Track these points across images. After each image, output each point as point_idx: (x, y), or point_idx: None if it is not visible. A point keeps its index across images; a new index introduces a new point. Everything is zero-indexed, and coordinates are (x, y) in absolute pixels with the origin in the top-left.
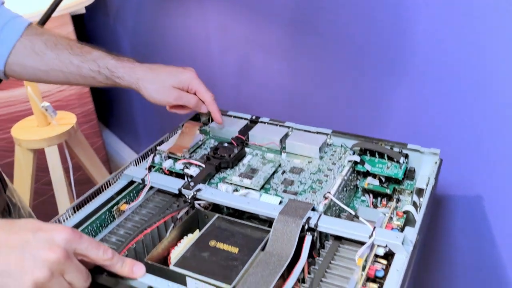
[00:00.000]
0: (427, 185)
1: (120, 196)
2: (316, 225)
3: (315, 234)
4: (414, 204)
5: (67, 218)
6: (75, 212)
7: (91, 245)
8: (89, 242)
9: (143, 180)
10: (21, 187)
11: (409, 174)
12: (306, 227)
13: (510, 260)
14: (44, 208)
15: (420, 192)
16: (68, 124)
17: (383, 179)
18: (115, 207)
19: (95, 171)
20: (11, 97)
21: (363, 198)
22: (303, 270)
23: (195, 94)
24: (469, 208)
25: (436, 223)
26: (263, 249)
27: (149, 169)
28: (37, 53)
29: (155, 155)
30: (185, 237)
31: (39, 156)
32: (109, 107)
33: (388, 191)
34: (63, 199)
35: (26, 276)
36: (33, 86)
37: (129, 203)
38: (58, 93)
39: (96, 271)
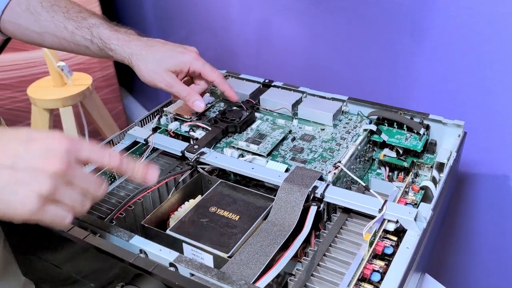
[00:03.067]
0: (448, 160)
1: None
2: (322, 195)
3: (322, 205)
4: (433, 179)
5: None
6: None
7: (93, 150)
8: (90, 147)
9: (146, 140)
10: None
11: (430, 147)
12: (311, 196)
13: None
14: None
15: (440, 166)
16: (83, 85)
17: (401, 151)
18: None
19: (111, 134)
20: (32, 58)
21: (379, 171)
22: (308, 243)
23: (199, 76)
24: (493, 187)
25: (457, 202)
26: (265, 218)
27: (154, 130)
28: (31, 13)
29: (161, 116)
30: (186, 202)
31: (57, 119)
32: (132, 72)
33: (406, 164)
34: None
35: (24, 189)
36: None
37: None
38: (80, 56)
39: None
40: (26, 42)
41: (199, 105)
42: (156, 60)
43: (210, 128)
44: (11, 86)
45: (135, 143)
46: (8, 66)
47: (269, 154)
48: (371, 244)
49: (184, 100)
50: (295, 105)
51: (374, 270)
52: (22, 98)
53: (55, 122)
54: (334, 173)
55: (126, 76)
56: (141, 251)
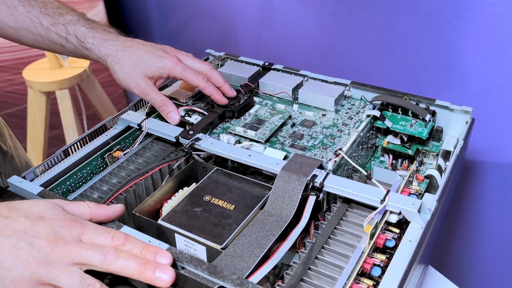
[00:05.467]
0: (455, 147)
1: (114, 142)
2: (321, 184)
3: (321, 194)
4: (439, 168)
5: (56, 162)
6: (66, 156)
7: (96, 231)
8: (94, 230)
9: (140, 125)
10: (35, 131)
11: (436, 134)
12: (310, 185)
13: None
14: None
15: (446, 155)
16: (80, 67)
17: (406, 138)
18: (107, 154)
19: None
20: None
21: (382, 158)
22: (307, 234)
23: (181, 79)
24: (500, 176)
25: (462, 191)
26: (262, 207)
27: (148, 114)
28: (8, 6)
29: None
30: (180, 190)
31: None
32: None
33: (410, 152)
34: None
35: (20, 267)
36: None
37: (124, 150)
38: None
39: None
40: (3, 37)
41: (174, 117)
42: (132, 63)
43: (206, 113)
44: (8, 69)
45: (128, 128)
46: (5, 48)
47: (267, 141)
48: (372, 236)
49: (158, 110)
50: (296, 89)
51: (374, 264)
52: (19, 81)
53: (53, 106)
54: (335, 161)
55: None
56: None
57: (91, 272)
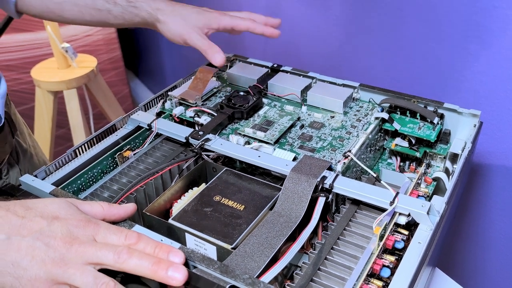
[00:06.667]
0: (462, 150)
1: (124, 142)
2: (331, 186)
3: (330, 196)
4: (447, 170)
5: (67, 161)
6: (76, 156)
7: (110, 231)
8: (107, 229)
9: (150, 125)
10: (42, 130)
11: (444, 136)
12: (320, 187)
13: None
14: None
15: (454, 157)
16: (88, 67)
17: (413, 141)
18: (118, 153)
19: (116, 118)
20: (36, 39)
21: (389, 160)
22: (315, 234)
23: (231, 29)
24: (507, 179)
25: (469, 194)
26: (271, 208)
27: (158, 115)
28: None
29: (165, 101)
30: (190, 190)
31: (62, 101)
32: (138, 55)
33: (418, 155)
34: None
35: (36, 266)
36: (53, 26)
37: (134, 150)
38: (85, 38)
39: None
40: (44, 17)
41: (219, 57)
42: (183, 16)
43: (215, 114)
44: (15, 68)
45: (138, 128)
46: (13, 47)
47: (276, 142)
48: (381, 238)
49: (204, 53)
50: (304, 91)
51: (384, 265)
52: (26, 80)
53: (60, 105)
54: (344, 162)
55: (132, 59)
56: None
57: (104, 271)
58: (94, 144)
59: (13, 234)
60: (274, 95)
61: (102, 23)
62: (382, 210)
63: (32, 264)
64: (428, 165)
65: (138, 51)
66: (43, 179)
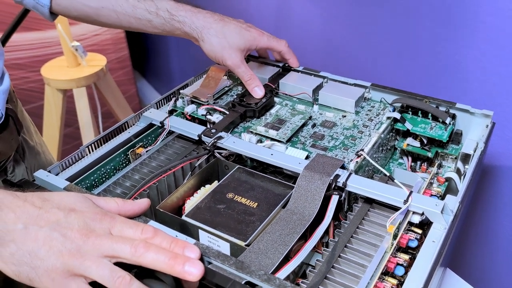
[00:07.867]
0: (474, 151)
1: (137, 139)
2: (344, 184)
3: (343, 194)
4: (458, 171)
5: (80, 158)
6: (89, 152)
7: (126, 225)
8: (124, 223)
9: (162, 123)
10: (51, 128)
11: (455, 137)
12: (333, 185)
13: None
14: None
15: (465, 158)
16: (97, 66)
17: (425, 141)
18: (130, 150)
19: (124, 116)
20: (46, 38)
21: (400, 160)
22: (327, 233)
23: (266, 48)
24: None
25: (479, 194)
26: (284, 206)
27: (170, 112)
28: None
29: (177, 99)
30: (202, 187)
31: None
32: (146, 55)
33: (430, 155)
34: None
35: (53, 257)
36: (64, 24)
37: (146, 147)
38: (94, 37)
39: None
40: (80, 20)
41: (258, 92)
42: (226, 36)
43: (227, 112)
44: (24, 66)
45: (151, 125)
46: (22, 46)
47: (288, 141)
48: (395, 236)
49: (244, 83)
50: (316, 90)
51: (398, 264)
52: (35, 79)
53: (67, 103)
54: (357, 161)
55: (139, 59)
56: None
57: (119, 265)
58: (106, 141)
59: (30, 224)
60: (286, 94)
61: (139, 30)
62: (395, 208)
63: (49, 255)
64: (440, 165)
65: (145, 51)
66: (56, 174)
